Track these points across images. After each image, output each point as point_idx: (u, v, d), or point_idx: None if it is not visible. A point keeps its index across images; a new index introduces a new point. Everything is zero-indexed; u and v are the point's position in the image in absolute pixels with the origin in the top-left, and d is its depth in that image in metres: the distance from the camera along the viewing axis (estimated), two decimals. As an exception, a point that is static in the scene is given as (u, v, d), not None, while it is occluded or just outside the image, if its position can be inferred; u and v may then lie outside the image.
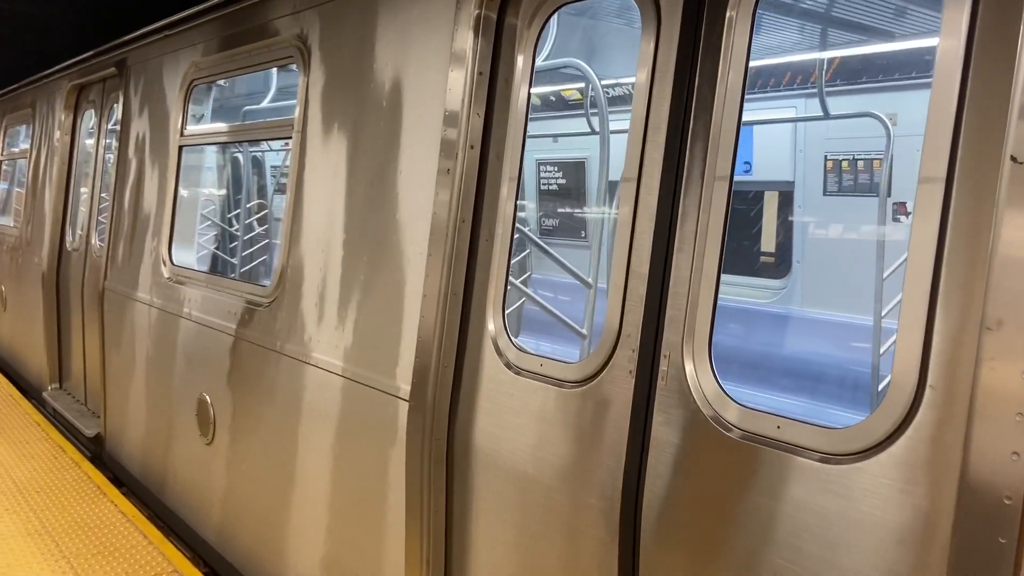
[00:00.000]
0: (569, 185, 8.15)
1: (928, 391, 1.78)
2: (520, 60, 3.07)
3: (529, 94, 3.06)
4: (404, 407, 3.26)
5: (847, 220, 6.13)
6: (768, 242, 13.05)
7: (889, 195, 5.82)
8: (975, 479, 1.65)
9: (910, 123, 5.35)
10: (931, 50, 5.31)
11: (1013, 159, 1.64)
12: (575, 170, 8.02)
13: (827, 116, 5.50)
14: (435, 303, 3.13)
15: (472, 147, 3.08)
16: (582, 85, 6.62)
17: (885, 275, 5.33)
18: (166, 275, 5.31)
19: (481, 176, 3.12)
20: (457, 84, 3.11)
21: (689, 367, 2.33)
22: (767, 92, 6.38)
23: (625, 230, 2.58)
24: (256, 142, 9.93)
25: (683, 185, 2.44)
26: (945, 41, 1.83)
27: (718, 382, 2.28)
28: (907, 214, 5.76)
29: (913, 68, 5.53)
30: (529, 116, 3.09)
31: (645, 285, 2.50)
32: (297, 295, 3.99)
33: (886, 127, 5.30)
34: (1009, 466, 1.59)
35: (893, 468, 1.83)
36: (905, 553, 1.80)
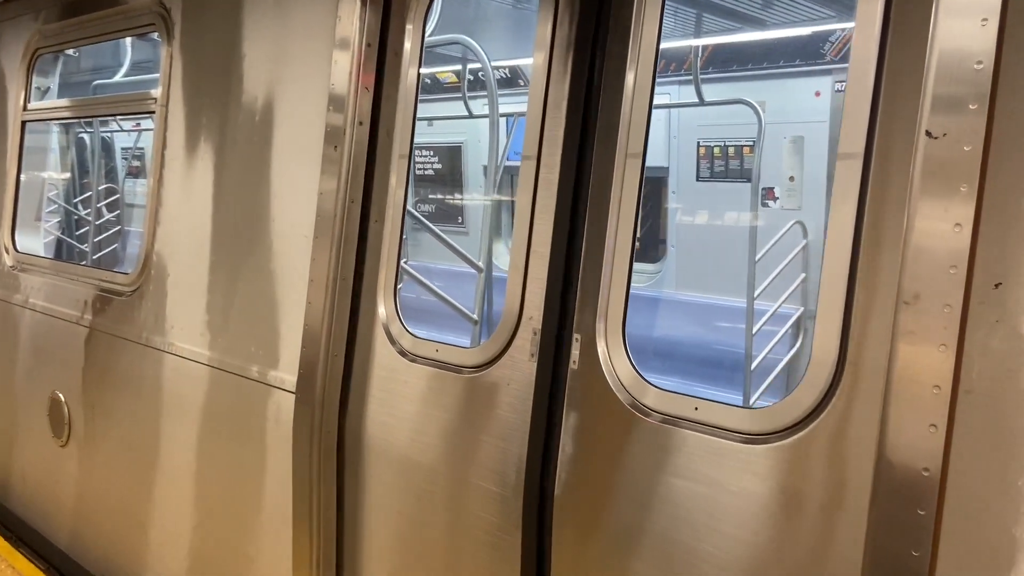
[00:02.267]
0: (444, 171, 8.01)
1: (848, 367, 1.79)
2: (410, 31, 2.92)
3: (420, 68, 2.93)
4: (289, 399, 3.06)
5: (719, 205, 6.32)
6: (642, 227, 13.40)
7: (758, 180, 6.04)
8: (893, 452, 1.67)
9: (777, 111, 5.55)
10: (796, 39, 5.52)
11: (928, 134, 1.66)
12: (450, 155, 7.89)
13: (702, 103, 5.62)
14: (323, 289, 2.94)
15: (360, 124, 2.92)
16: (459, 67, 6.50)
17: (757, 258, 5.53)
18: (8, 263, 4.81)
19: (371, 155, 2.96)
20: (343, 56, 2.92)
21: (602, 350, 2.27)
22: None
23: (525, 210, 2.49)
24: (105, 122, 9.22)
25: (591, 163, 2.38)
26: (862, 20, 1.84)
27: (633, 365, 2.24)
28: (775, 199, 5.99)
29: (780, 57, 5.73)
30: (420, 91, 2.96)
31: (547, 266, 2.43)
32: (163, 282, 3.68)
33: (758, 115, 5.47)
34: (927, 439, 1.62)
35: (814, 445, 1.84)
36: (826, 528, 1.81)
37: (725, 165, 6.25)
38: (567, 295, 2.39)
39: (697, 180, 6.42)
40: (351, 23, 2.90)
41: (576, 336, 2.34)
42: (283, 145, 3.21)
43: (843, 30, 5.37)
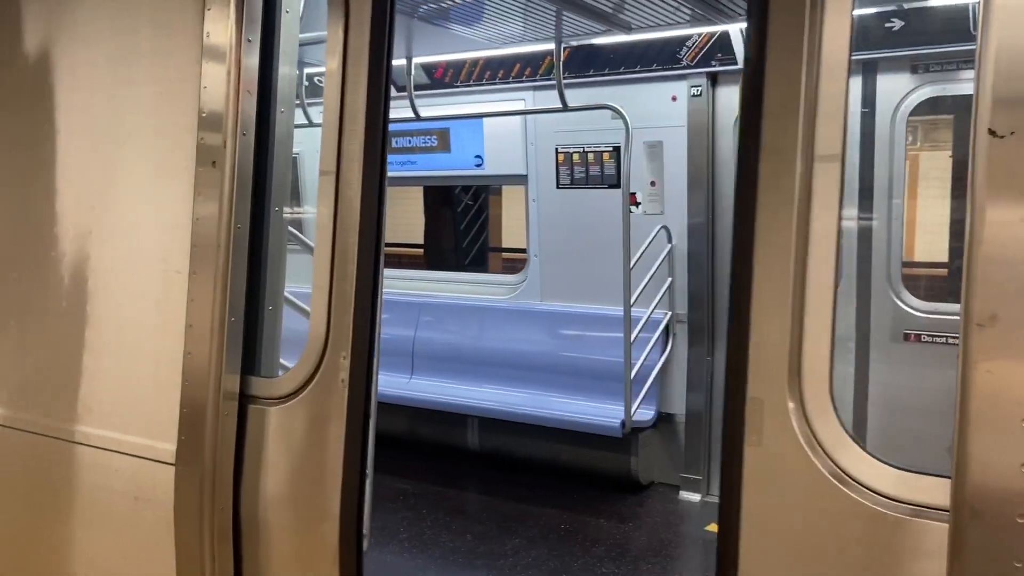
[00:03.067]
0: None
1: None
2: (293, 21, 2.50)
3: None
4: (166, 472, 2.52)
5: (582, 212, 6.19)
6: (499, 237, 13.16)
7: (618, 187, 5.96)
8: (979, 498, 1.50)
9: (635, 115, 5.48)
10: (653, 43, 5.48)
11: (991, 132, 1.49)
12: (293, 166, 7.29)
13: (565, 108, 5.46)
14: (206, 335, 2.43)
15: (244, 135, 2.44)
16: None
17: (632, 264, 5.43)
18: None
19: (259, 171, 2.49)
20: (217, 56, 2.44)
21: None
22: (495, 84, 6.22)
23: (326, 228, 2.37)
24: None
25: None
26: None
27: None
28: (637, 204, 5.93)
29: (637, 61, 5.68)
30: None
31: (354, 287, 2.32)
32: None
33: (625, 121, 5.37)
34: (1019, 479, 1.45)
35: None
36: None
37: (585, 171, 6.13)
38: (375, 316, 2.32)
39: (557, 187, 6.27)
40: (225, 14, 2.42)
41: None
42: (138, 166, 2.66)
43: (699, 35, 5.38)
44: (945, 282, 6.66)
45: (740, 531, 1.81)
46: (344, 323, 2.33)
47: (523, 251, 6.94)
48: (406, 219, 11.17)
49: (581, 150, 6.12)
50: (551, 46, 5.37)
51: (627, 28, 4.90)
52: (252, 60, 2.44)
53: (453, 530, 5.28)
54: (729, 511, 1.82)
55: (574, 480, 6.04)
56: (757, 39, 1.79)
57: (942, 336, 5.08)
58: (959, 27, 4.64)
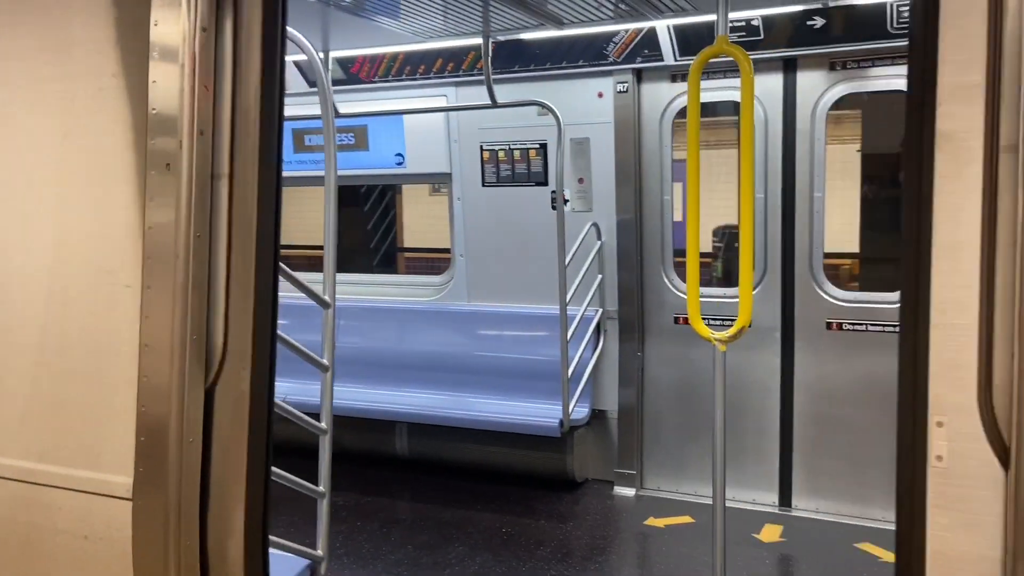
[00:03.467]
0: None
1: None
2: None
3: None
4: (121, 509, 2.28)
5: (509, 210, 6.11)
6: (416, 237, 12.85)
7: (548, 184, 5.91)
8: None
9: (560, 112, 5.43)
10: (580, 39, 5.44)
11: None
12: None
13: (495, 105, 5.36)
14: (166, 355, 2.21)
15: (202, 133, 2.23)
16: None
17: (567, 261, 5.39)
18: None
19: (216, 172, 2.28)
20: (170, 47, 2.21)
21: None
22: (415, 80, 6.05)
23: (221, 235, 2.29)
24: None
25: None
26: None
27: None
28: (566, 201, 5.89)
29: (563, 57, 5.64)
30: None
31: (252, 295, 2.24)
32: None
33: (556, 117, 5.31)
34: None
35: None
36: None
37: (512, 169, 6.04)
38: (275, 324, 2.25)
39: (483, 185, 6.16)
40: (177, 1, 2.20)
41: None
42: (76, 169, 2.39)
43: (626, 31, 5.38)
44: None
45: (926, 563, 1.68)
46: (243, 332, 2.22)
47: (426, 251, 6.83)
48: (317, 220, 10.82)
49: (507, 147, 6.03)
50: (478, 40, 5.26)
51: (558, 22, 4.84)
52: (208, 52, 2.23)
53: (393, 542, 5.10)
54: (911, 540, 1.68)
55: (509, 482, 5.96)
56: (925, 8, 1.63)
57: (862, 324, 5.27)
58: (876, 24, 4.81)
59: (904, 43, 3.85)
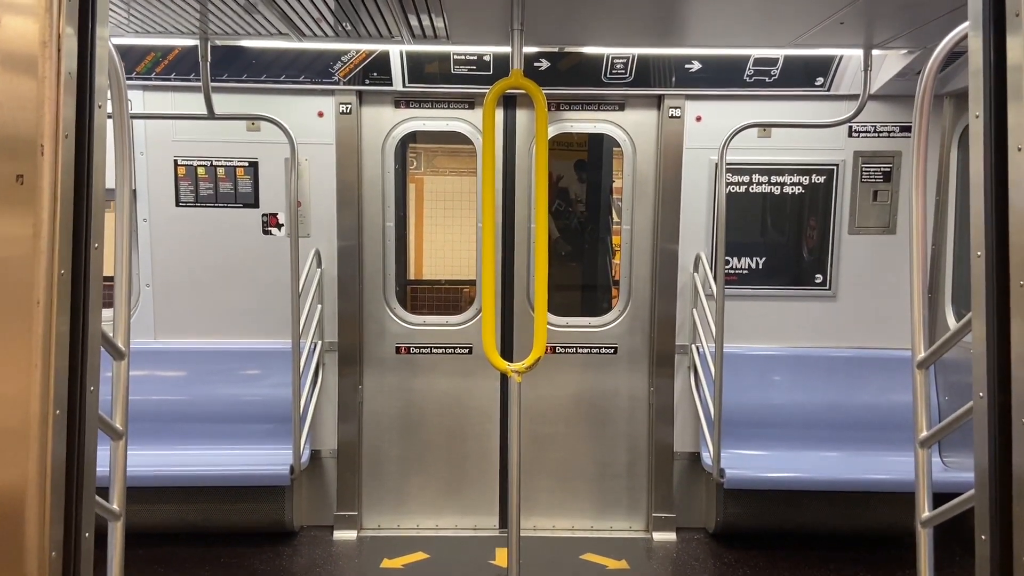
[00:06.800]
0: None
1: None
2: None
3: None
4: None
5: (210, 235, 5.42)
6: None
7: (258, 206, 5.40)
8: None
9: (273, 130, 5.03)
10: (306, 54, 5.08)
11: None
12: None
13: (212, 116, 4.73)
14: (17, 446, 1.56)
15: (67, 137, 1.63)
16: None
17: (300, 291, 4.93)
18: None
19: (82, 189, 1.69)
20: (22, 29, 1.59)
21: None
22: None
23: None
24: None
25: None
26: None
27: None
28: (279, 225, 5.42)
29: (284, 71, 5.20)
30: None
31: None
32: None
33: (288, 135, 4.86)
34: None
35: None
36: None
37: (215, 188, 5.38)
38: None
39: (177, 205, 5.39)
40: None
41: None
42: None
43: (356, 51, 5.14)
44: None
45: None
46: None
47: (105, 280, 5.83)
48: None
49: (208, 164, 5.36)
50: (193, 42, 4.62)
51: (299, 34, 4.43)
52: (70, 42, 1.63)
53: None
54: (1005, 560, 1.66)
55: (218, 542, 5.25)
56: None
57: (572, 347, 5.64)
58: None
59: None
